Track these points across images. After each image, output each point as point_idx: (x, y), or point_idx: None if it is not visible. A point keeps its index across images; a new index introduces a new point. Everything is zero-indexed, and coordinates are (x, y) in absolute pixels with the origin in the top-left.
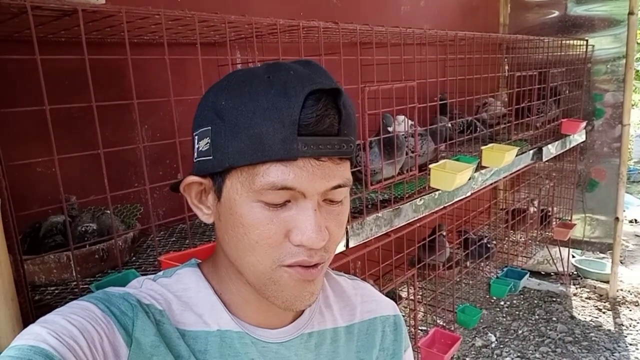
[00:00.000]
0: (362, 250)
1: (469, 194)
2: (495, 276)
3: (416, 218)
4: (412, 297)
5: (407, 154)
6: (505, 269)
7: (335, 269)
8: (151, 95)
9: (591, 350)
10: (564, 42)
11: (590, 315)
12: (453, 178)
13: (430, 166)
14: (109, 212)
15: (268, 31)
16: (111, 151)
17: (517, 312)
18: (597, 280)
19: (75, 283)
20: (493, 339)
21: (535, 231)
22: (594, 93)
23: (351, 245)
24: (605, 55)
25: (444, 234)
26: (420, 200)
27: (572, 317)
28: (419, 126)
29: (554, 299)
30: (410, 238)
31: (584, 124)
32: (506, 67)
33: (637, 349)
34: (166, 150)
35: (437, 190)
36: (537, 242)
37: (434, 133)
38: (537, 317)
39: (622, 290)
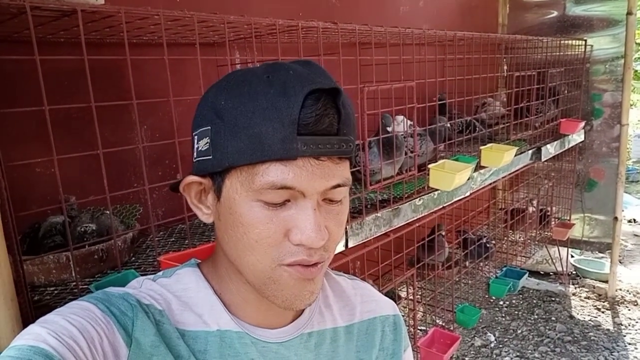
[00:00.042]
0: (362, 250)
1: (468, 193)
2: (494, 276)
3: (415, 218)
4: (411, 297)
5: (406, 154)
6: (504, 269)
7: (334, 269)
8: (150, 95)
9: (590, 349)
10: (562, 42)
11: (589, 315)
12: (452, 178)
13: (429, 166)
14: (108, 212)
15: (267, 31)
16: (110, 151)
17: (516, 312)
18: (596, 280)
19: (74, 283)
20: (492, 338)
21: (534, 231)
22: (593, 93)
23: (350, 245)
24: (604, 55)
25: (443, 233)
26: (420, 200)
27: (571, 317)
28: (418, 126)
29: (553, 299)
30: (409, 238)
31: (582, 123)
32: (505, 67)
33: (635, 348)
34: (165, 151)
35: (436, 190)
36: (536, 242)
37: (433, 133)
38: (536, 316)
39: (621, 289)
